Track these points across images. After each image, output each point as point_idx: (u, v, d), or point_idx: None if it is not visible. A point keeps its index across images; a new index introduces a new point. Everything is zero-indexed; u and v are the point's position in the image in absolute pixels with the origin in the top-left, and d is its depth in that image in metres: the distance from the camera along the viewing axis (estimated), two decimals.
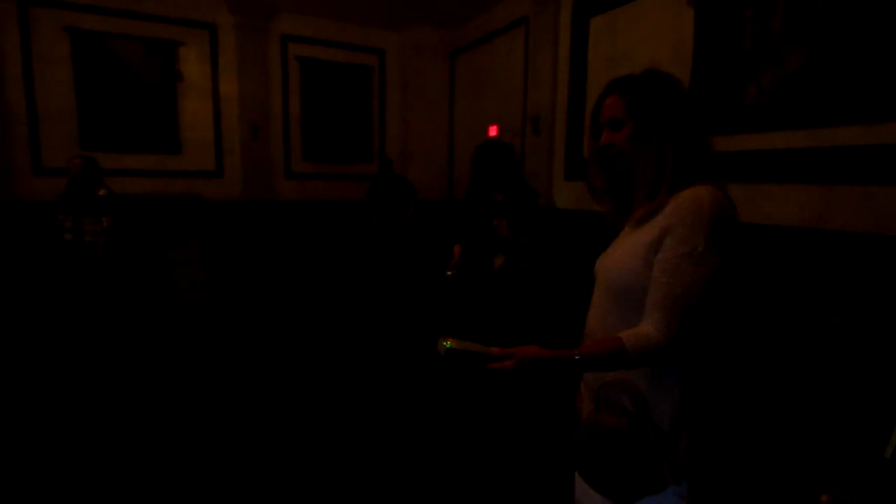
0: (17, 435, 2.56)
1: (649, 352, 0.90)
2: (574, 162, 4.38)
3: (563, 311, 3.11)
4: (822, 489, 1.13)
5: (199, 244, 5.25)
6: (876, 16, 2.28)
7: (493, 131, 5.26)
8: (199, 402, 2.98)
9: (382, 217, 5.49)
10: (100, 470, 2.30)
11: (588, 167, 1.15)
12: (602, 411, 1.00)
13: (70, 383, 3.15)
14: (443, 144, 6.65)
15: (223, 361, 3.60)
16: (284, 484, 2.26)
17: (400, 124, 6.73)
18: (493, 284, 3.45)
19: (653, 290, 0.93)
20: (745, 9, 2.85)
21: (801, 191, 2.60)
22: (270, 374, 3.42)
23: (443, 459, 2.48)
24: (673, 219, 0.94)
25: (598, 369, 0.96)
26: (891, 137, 2.25)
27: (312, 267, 5.83)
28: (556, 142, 4.59)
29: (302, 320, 4.65)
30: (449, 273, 3.71)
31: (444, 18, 6.19)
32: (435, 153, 6.64)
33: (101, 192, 4.03)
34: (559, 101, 4.52)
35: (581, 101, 4.26)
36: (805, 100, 2.58)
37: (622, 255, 1.03)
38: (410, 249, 5.33)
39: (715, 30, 3.04)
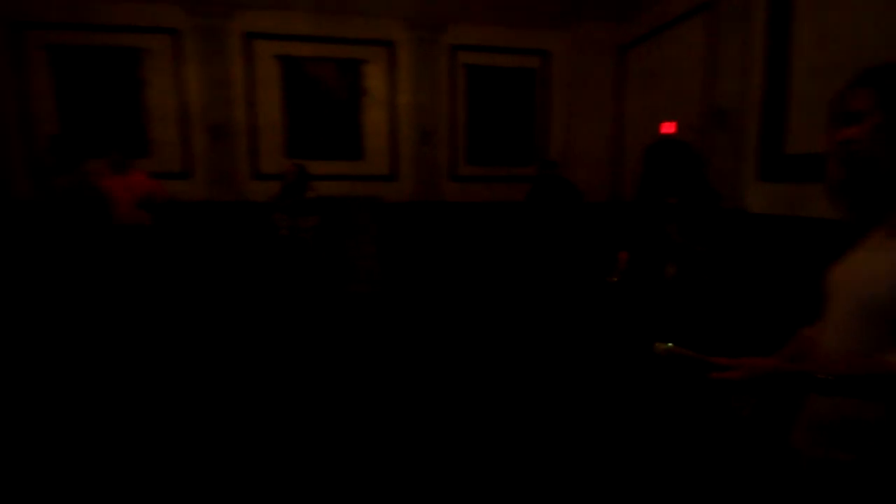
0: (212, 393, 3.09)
1: None
2: (771, 159, 3.83)
3: (755, 327, 2.75)
4: None
5: (374, 241, 5.81)
6: None
7: (667, 128, 4.88)
8: (344, 386, 3.27)
9: (541, 220, 5.44)
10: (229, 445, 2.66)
11: (827, 164, 1.00)
12: (839, 449, 0.85)
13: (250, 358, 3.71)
14: (607, 144, 6.39)
15: (381, 350, 3.90)
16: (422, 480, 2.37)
17: (563, 125, 6.63)
18: (664, 294, 3.20)
19: None
20: None
21: None
22: (419, 366, 3.61)
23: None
24: None
25: (852, 395, 0.83)
26: None
27: (474, 266, 6.04)
28: (746, 137, 4.07)
29: (460, 318, 4.84)
30: (613, 280, 3.53)
31: (615, 12, 5.94)
32: (598, 153, 6.41)
33: (311, 195, 4.72)
34: (751, 91, 4.01)
35: (781, 89, 3.71)
36: None
37: (879, 266, 0.87)
38: (570, 253, 5.20)
39: None
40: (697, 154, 3.48)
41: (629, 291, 3.39)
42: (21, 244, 3.66)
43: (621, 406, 3.01)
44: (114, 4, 5.70)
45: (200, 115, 6.01)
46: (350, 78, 6.24)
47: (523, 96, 6.53)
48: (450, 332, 4.40)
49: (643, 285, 3.31)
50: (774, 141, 3.78)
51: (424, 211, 6.26)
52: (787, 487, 1.00)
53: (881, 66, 0.93)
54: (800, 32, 3.56)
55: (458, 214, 6.32)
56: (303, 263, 4.66)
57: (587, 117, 6.38)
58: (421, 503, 2.17)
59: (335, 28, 6.13)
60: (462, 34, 6.32)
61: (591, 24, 6.19)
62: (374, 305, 5.22)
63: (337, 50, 6.19)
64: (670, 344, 0.90)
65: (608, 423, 2.85)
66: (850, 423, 0.86)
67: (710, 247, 3.15)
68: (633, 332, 3.22)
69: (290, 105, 6.20)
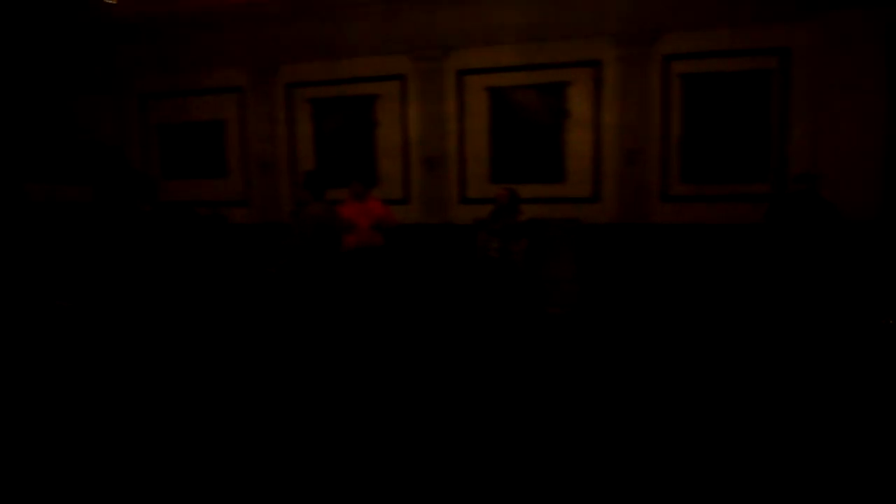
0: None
1: None
2: None
3: None
4: None
5: (574, 263, 5.65)
6: None
7: None
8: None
9: (790, 244, 4.53)
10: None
11: None
12: None
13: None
14: (873, 152, 5.19)
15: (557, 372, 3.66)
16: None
17: (808, 133, 5.57)
18: None
19: None
20: None
21: None
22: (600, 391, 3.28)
23: None
24: None
25: None
26: None
27: (687, 296, 5.41)
28: None
29: (664, 352, 4.31)
30: (892, 322, 2.83)
31: None
32: (862, 165, 5.23)
33: (521, 218, 4.83)
34: None
35: None
36: None
37: None
38: (829, 286, 4.24)
39: None
40: None
41: None
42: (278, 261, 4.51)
43: None
44: (357, 60, 6.81)
45: (418, 148, 6.73)
46: (553, 101, 6.30)
47: (754, 103, 5.69)
48: (649, 365, 3.96)
49: None
50: None
51: (629, 233, 5.87)
52: None
53: None
54: None
55: (670, 237, 5.76)
56: (513, 285, 4.75)
57: (846, 122, 5.27)
58: None
59: (540, 55, 6.27)
60: (677, 42, 5.85)
61: (847, 11, 5.15)
62: (568, 329, 5.03)
63: (541, 76, 6.32)
64: None
65: None
66: None
67: None
68: None
69: (495, 132, 6.52)
